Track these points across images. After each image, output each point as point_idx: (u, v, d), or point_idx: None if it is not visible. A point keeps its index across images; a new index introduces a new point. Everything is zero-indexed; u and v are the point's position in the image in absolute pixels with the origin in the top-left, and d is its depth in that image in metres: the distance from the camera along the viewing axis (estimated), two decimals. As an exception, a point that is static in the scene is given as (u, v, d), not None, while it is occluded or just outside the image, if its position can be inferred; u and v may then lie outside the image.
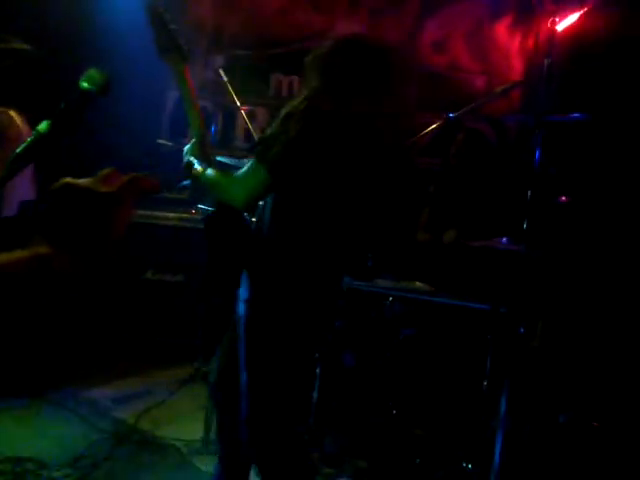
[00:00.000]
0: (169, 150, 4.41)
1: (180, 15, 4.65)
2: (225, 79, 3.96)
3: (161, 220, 4.34)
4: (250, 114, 4.40)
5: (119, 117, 4.15)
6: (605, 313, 3.08)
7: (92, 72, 1.10)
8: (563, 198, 3.06)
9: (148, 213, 4.29)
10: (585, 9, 4.10)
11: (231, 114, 4.56)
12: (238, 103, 3.86)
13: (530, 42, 4.68)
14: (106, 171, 0.89)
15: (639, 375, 2.83)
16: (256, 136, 3.97)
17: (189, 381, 3.84)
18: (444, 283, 3.39)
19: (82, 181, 0.87)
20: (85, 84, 1.08)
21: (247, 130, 4.26)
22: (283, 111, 1.97)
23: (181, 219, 4.35)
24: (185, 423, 3.36)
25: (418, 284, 3.50)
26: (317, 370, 3.05)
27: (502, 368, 2.93)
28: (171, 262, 4.31)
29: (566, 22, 4.43)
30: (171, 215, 4.35)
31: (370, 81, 2.00)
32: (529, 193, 2.56)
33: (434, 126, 2.71)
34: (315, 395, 3.04)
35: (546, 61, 2.24)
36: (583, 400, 2.98)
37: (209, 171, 2.07)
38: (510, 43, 4.72)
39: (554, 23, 4.59)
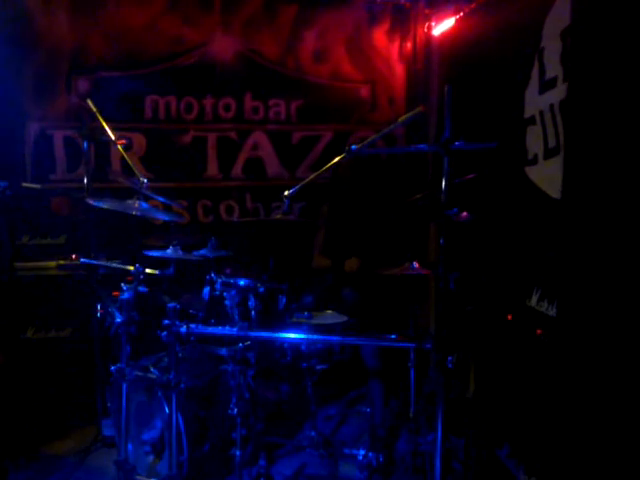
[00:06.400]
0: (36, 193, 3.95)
1: (35, 38, 4.15)
2: (94, 109, 3.57)
3: (37, 270, 3.87)
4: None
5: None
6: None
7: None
8: (464, 214, 2.98)
9: (20, 264, 3.81)
10: (461, 13, 4.13)
11: (103, 143, 4.12)
12: (113, 137, 3.49)
13: (409, 47, 4.66)
14: None
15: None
16: (134, 167, 3.64)
17: (92, 449, 3.46)
18: (358, 311, 3.28)
19: None
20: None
21: (124, 159, 3.87)
22: None
23: (59, 266, 3.90)
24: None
25: (330, 312, 3.37)
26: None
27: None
28: (54, 315, 3.86)
29: (442, 26, 4.46)
30: (48, 263, 3.89)
31: None
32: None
33: (336, 159, 2.57)
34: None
35: (446, 88, 2.12)
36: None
37: None
38: (390, 49, 4.67)
39: (430, 28, 4.63)
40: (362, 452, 3.04)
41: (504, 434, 3.10)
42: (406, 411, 3.11)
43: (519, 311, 2.95)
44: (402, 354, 3.06)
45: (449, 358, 2.35)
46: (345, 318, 3.22)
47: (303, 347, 3.00)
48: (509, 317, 3.01)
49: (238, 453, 2.88)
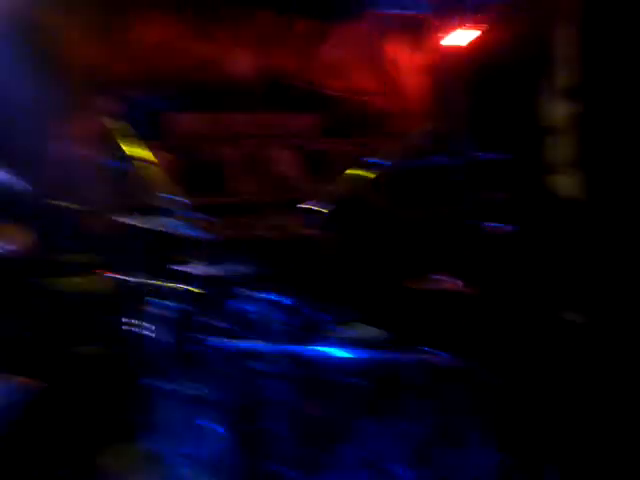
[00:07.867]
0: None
1: (58, 60, 4.25)
2: (120, 128, 3.68)
3: (69, 286, 3.96)
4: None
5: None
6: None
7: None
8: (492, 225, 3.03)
9: (52, 281, 3.90)
10: (477, 24, 4.20)
11: (130, 161, 4.21)
12: (140, 155, 3.59)
13: (424, 58, 4.72)
14: None
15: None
16: (162, 184, 3.73)
17: (134, 465, 3.50)
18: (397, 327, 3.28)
19: None
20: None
21: (152, 177, 3.95)
22: None
23: (92, 282, 3.99)
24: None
25: (370, 327, 3.35)
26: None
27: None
28: (87, 331, 3.94)
29: (458, 37, 4.52)
30: (80, 279, 3.97)
31: None
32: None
33: (356, 172, 2.63)
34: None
35: (462, 99, 2.19)
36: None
37: None
38: (405, 60, 4.73)
39: (445, 39, 4.68)
40: (405, 468, 3.06)
41: (548, 450, 3.10)
42: (449, 427, 3.11)
43: (551, 321, 2.99)
44: (443, 370, 3.07)
45: (487, 372, 2.38)
46: (386, 333, 3.22)
47: (344, 362, 3.02)
48: (540, 326, 3.03)
49: (281, 469, 2.91)
